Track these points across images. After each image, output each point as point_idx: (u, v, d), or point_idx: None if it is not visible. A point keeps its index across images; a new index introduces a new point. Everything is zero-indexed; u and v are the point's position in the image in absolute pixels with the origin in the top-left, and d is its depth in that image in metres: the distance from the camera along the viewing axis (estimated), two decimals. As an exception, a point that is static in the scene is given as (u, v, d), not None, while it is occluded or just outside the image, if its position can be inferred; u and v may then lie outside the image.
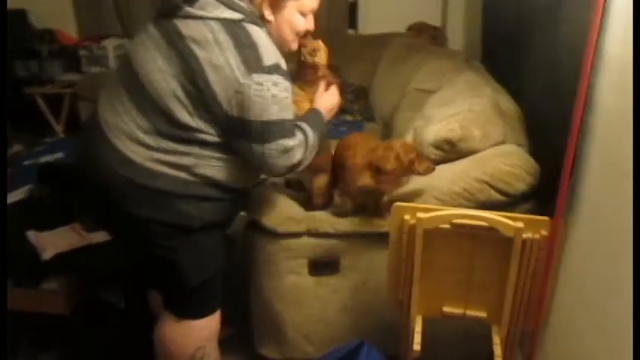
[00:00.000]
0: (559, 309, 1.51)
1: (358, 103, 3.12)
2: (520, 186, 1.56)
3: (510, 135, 1.76)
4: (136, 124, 1.40)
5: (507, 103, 1.98)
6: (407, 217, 1.50)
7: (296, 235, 1.67)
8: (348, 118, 3.02)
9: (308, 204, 1.75)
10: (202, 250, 1.51)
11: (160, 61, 1.39)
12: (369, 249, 1.71)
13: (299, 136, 1.46)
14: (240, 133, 1.38)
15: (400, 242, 1.54)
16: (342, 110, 3.07)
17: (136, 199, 1.41)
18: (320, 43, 1.62)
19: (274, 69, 1.35)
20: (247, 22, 1.38)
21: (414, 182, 1.72)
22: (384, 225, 1.66)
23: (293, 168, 1.46)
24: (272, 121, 1.37)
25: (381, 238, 1.67)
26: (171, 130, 1.39)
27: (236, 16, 1.37)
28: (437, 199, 1.62)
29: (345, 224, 1.67)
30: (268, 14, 1.45)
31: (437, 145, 1.69)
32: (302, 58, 1.62)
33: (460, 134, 1.65)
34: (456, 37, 3.50)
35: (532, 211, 1.61)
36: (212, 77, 1.33)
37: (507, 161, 1.59)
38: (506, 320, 1.53)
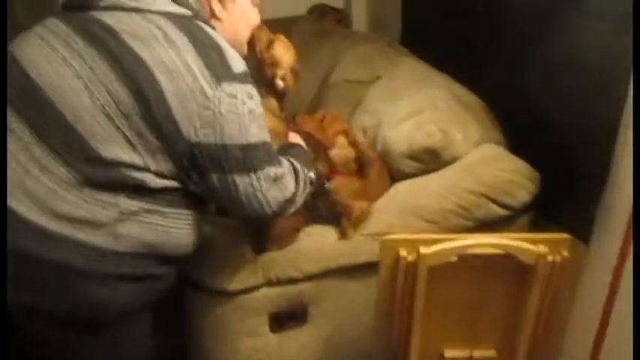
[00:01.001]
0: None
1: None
2: (523, 196, 1.28)
3: (485, 132, 1.48)
4: (30, 157, 0.91)
5: (466, 93, 1.70)
6: (404, 252, 1.15)
7: (252, 289, 1.25)
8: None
9: (261, 240, 1.32)
10: (118, 349, 1.01)
11: (76, 64, 0.92)
12: (345, 288, 1.34)
13: (285, 163, 1.07)
14: (209, 165, 0.96)
15: (394, 283, 1.19)
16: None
17: (18, 278, 0.90)
18: (279, 36, 1.22)
19: (245, 77, 0.98)
20: (199, 20, 1.00)
21: (389, 199, 1.37)
22: (362, 253, 1.29)
23: (287, 204, 1.06)
24: (254, 144, 0.98)
25: (360, 270, 1.32)
26: (91, 168, 0.92)
27: (183, 11, 0.99)
28: (426, 220, 1.28)
29: (314, 263, 1.27)
30: (219, 10, 1.07)
31: (414, 156, 1.34)
32: (258, 55, 1.19)
33: (442, 140, 1.32)
34: (360, 18, 3.19)
35: (533, 223, 1.35)
36: (167, 87, 0.91)
37: (502, 167, 1.30)
38: (523, 357, 1.26)
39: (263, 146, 0.99)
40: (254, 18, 1.15)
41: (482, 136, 1.44)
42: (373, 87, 1.85)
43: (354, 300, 1.34)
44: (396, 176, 1.42)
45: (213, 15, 1.07)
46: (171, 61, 0.92)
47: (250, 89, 0.99)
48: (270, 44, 1.25)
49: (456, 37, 1.94)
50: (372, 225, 1.30)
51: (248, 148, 0.97)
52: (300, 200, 1.11)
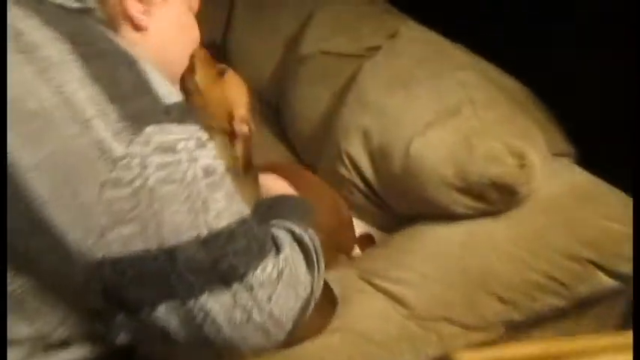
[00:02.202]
0: None
1: (213, 69, 2.07)
2: None
3: (551, 141, 0.98)
4: None
5: (500, 75, 1.19)
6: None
7: None
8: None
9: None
10: None
11: None
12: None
13: (282, 238, 0.56)
14: (145, 292, 0.46)
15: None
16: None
17: None
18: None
19: (186, 114, 0.48)
20: (96, 19, 0.52)
21: (432, 258, 0.88)
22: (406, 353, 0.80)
23: (306, 307, 0.55)
24: (224, 230, 0.48)
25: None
26: None
27: (68, 2, 0.50)
28: (500, 299, 0.81)
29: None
30: (140, 13, 0.56)
31: (472, 191, 0.84)
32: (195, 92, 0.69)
33: (519, 170, 0.81)
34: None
35: None
36: (25, 152, 0.43)
37: (607, 211, 0.83)
38: None
39: (242, 228, 0.50)
40: (194, 32, 0.64)
41: (550, 148, 0.96)
42: (368, 66, 1.31)
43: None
44: (424, 210, 0.92)
45: (131, 21, 0.55)
46: (32, 91, 0.43)
47: (198, 132, 0.49)
48: (217, 77, 0.73)
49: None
50: (419, 303, 0.81)
51: (215, 242, 0.48)
52: (319, 289, 0.60)
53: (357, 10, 1.61)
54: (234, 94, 0.74)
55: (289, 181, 0.77)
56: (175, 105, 0.46)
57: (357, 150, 1.14)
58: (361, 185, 1.12)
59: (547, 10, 1.23)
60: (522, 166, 0.81)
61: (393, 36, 1.35)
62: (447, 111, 1.01)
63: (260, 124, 1.81)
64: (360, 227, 1.11)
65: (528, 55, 1.22)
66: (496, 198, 0.82)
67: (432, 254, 0.86)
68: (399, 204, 1.01)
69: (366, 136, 1.14)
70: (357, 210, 1.14)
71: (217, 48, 2.20)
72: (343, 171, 1.15)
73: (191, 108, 0.51)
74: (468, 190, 0.84)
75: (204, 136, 0.48)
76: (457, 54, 1.22)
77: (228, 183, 0.49)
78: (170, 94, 0.47)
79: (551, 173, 0.90)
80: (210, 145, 0.48)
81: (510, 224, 0.84)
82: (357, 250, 1.07)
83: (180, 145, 0.45)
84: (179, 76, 0.64)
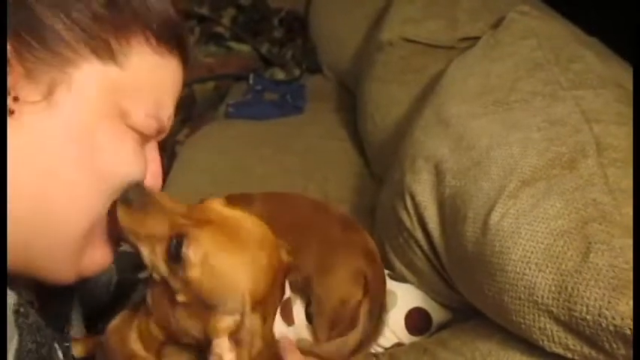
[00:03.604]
0: None
1: (293, 44, 1.79)
2: None
3: None
4: None
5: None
6: None
7: None
8: (280, 75, 1.70)
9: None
10: None
11: None
12: None
13: None
14: None
15: None
16: (266, 61, 1.74)
17: None
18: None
19: None
20: None
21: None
22: None
23: None
24: None
25: None
26: None
27: None
28: None
29: None
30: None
31: (583, 333, 0.50)
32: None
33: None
34: None
35: None
36: None
37: None
38: None
39: None
40: (136, 160, 0.43)
41: None
42: (456, 66, 0.94)
43: None
44: (500, 321, 0.59)
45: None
46: None
47: None
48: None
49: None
50: None
51: None
52: None
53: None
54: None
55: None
56: None
57: (424, 191, 0.81)
58: (423, 243, 0.80)
59: None
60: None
61: (497, 24, 0.97)
62: (556, 160, 0.65)
63: (334, 111, 1.55)
64: (412, 298, 0.81)
65: None
66: (621, 352, 0.47)
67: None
68: (468, 291, 0.69)
69: (439, 172, 0.80)
70: (416, 274, 0.83)
71: (300, 18, 1.92)
72: (404, 216, 0.84)
73: None
74: (573, 327, 0.49)
75: None
76: (589, 59, 0.81)
77: None
78: None
79: None
80: None
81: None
82: (402, 331, 0.78)
83: None
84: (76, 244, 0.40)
